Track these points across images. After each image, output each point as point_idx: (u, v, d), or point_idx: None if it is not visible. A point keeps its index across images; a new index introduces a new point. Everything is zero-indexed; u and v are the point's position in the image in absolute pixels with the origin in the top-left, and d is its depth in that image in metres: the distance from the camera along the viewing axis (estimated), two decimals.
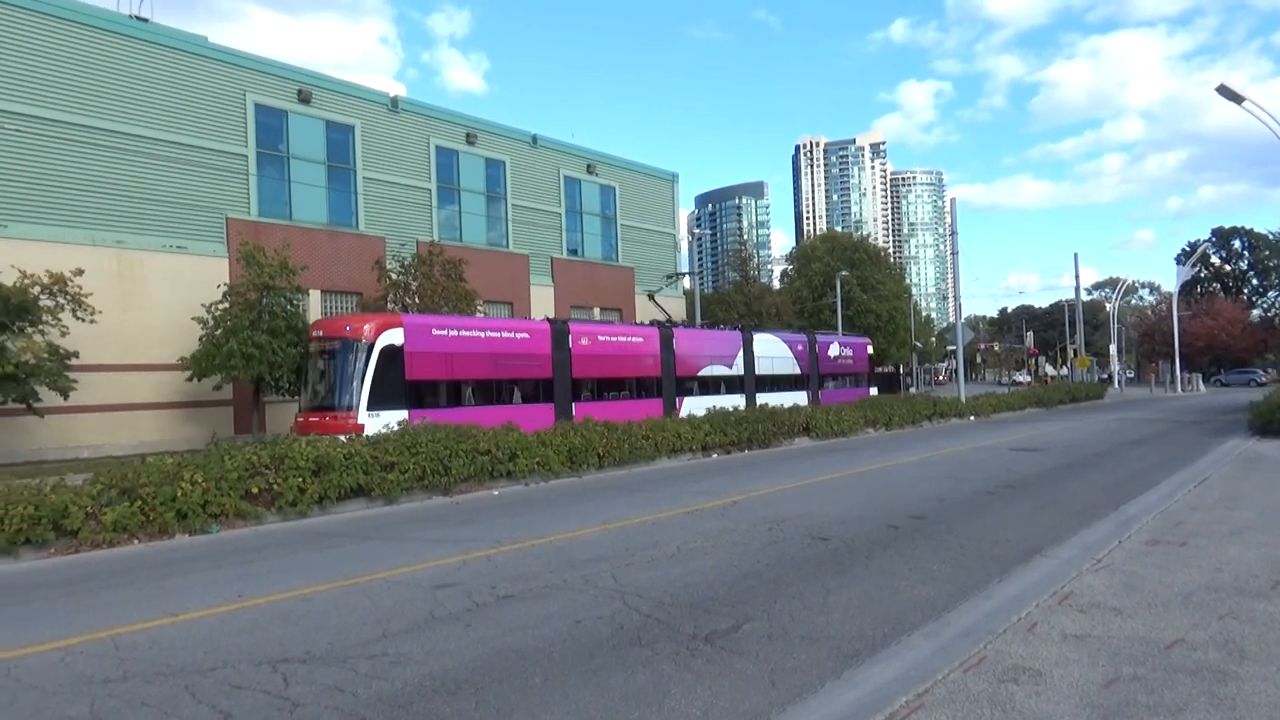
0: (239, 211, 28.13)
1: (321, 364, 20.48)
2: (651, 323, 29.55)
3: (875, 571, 8.41)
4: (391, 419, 18.13)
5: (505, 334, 23.06)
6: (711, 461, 20.91)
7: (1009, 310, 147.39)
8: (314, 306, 28.91)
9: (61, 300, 20.01)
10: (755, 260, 68.86)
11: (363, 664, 5.91)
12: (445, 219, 35.34)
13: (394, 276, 28.36)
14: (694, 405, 26.50)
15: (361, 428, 18.06)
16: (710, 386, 29.85)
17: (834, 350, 37.69)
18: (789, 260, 69.11)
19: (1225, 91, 25.40)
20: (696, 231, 49.80)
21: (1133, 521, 10.57)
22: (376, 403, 19.17)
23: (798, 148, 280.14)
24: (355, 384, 19.30)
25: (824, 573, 8.38)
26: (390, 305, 27.13)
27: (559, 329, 24.50)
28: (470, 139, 36.18)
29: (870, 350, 41.21)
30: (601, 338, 26.02)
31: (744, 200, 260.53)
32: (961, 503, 12.82)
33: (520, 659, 5.96)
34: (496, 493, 15.60)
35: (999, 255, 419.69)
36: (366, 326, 19.91)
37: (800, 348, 35.06)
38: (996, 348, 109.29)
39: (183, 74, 27.06)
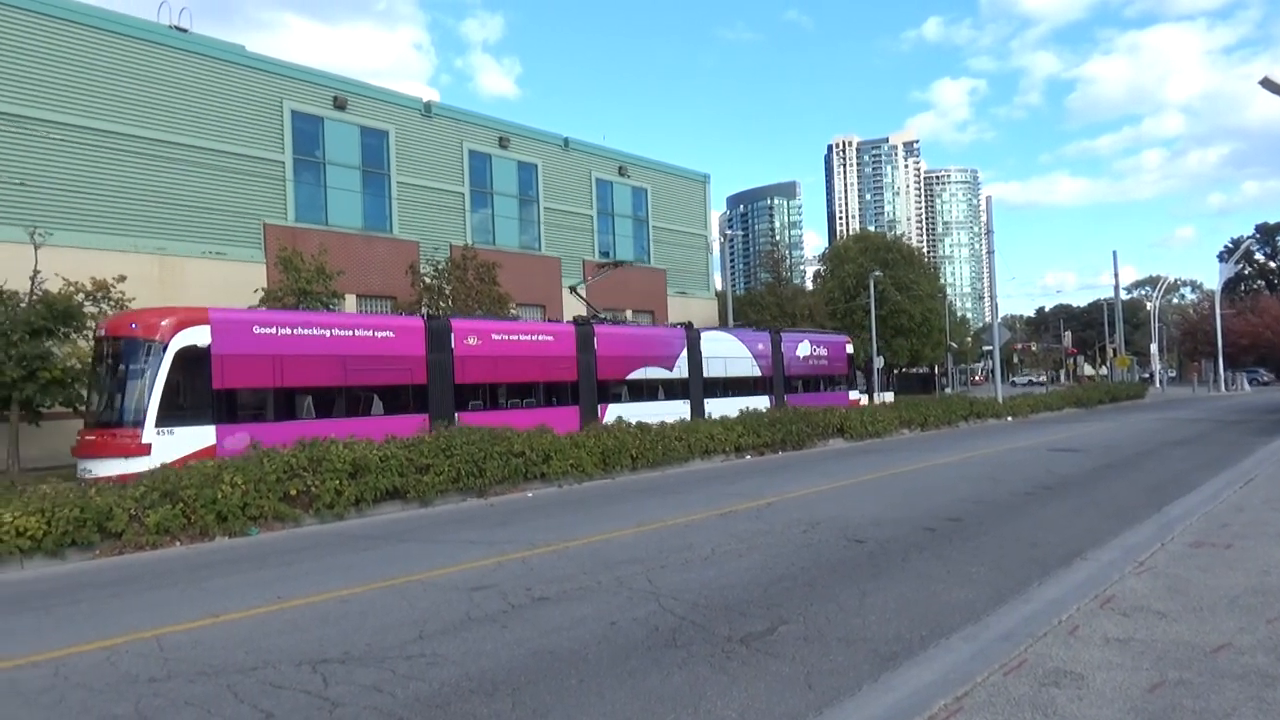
0: (276, 217, 28.52)
1: (104, 371, 16.41)
2: (575, 320, 25.46)
3: (912, 574, 8.34)
4: (191, 437, 15.49)
5: (363, 332, 19.19)
6: (745, 463, 20.85)
7: (1046, 309, 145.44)
8: (350, 311, 29.23)
9: (105, 306, 20.38)
10: (787, 261, 68.57)
11: (400, 664, 5.96)
12: (478, 222, 35.57)
13: (428, 280, 28.60)
14: (622, 413, 22.84)
15: (147, 449, 14.98)
16: (644, 391, 25.71)
17: (804, 350, 33.09)
18: (822, 261, 68.67)
19: (1269, 85, 24.85)
20: (728, 232, 49.68)
21: (1176, 523, 10.37)
22: (169, 418, 15.49)
23: (830, 147, 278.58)
24: (141, 395, 15.53)
25: (860, 575, 8.32)
26: (424, 309, 27.35)
27: (437, 326, 20.73)
28: (503, 143, 36.40)
29: (850, 349, 36.52)
30: (498, 336, 21.79)
31: (776, 201, 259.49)
32: (999, 504, 12.67)
33: (556, 660, 5.98)
34: (531, 495, 15.68)
35: (1035, 254, 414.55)
36: (161, 323, 16.04)
37: (761, 347, 30.71)
38: (1034, 348, 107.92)
39: (221, 82, 27.50)
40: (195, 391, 16.09)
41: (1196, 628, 6.06)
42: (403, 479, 13.90)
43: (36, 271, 19.93)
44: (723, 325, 33.52)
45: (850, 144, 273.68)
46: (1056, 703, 4.74)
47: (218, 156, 27.10)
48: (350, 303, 29.39)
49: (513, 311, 30.08)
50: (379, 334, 19.57)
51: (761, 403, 28.41)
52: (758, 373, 30.06)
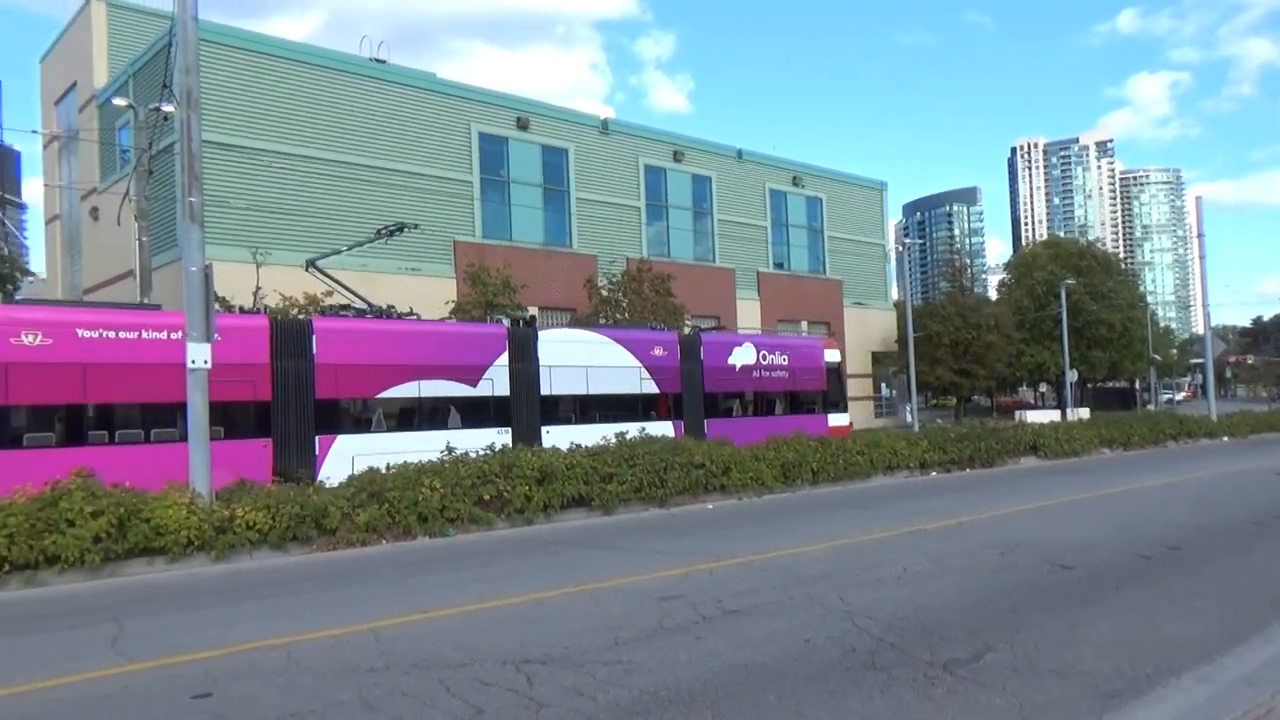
0: (465, 234, 30.03)
1: None
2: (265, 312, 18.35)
3: (1128, 605, 7.74)
4: None
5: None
6: (931, 480, 20.07)
7: (1265, 319, 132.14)
8: None
9: None
10: (969, 270, 65.67)
11: (599, 670, 6.08)
12: (653, 235, 36.12)
13: (605, 293, 29.29)
14: (356, 450, 15.68)
15: None
16: (410, 415, 17.59)
17: (741, 357, 23.56)
18: (1006, 269, 65.34)
19: None
20: (907, 241, 48.03)
21: None
22: None
23: (1014, 150, 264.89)
24: None
25: (1068, 603, 7.80)
26: (601, 321, 28.00)
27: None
28: (677, 156, 36.84)
29: (831, 358, 26.58)
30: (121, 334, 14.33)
31: (955, 207, 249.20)
32: (1223, 532, 11.58)
33: (751, 675, 5.93)
34: (711, 506, 15.70)
35: (1250, 259, 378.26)
36: None
37: (660, 354, 21.80)
38: (1250, 360, 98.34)
39: (415, 109, 29.29)
40: None
41: None
42: (588, 487, 14.26)
43: (258, 288, 21.84)
44: (599, 327, 24.44)
45: (1036, 146, 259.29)
46: None
47: (412, 178, 28.83)
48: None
49: (688, 324, 30.30)
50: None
51: (657, 429, 19.23)
52: (654, 389, 21.48)
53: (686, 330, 27.55)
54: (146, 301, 21.73)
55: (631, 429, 17.61)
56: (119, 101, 24.80)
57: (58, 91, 35.22)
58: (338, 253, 21.30)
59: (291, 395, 15.60)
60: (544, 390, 19.32)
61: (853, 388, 43.31)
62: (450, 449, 14.24)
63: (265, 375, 15.40)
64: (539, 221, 32.55)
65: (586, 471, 14.33)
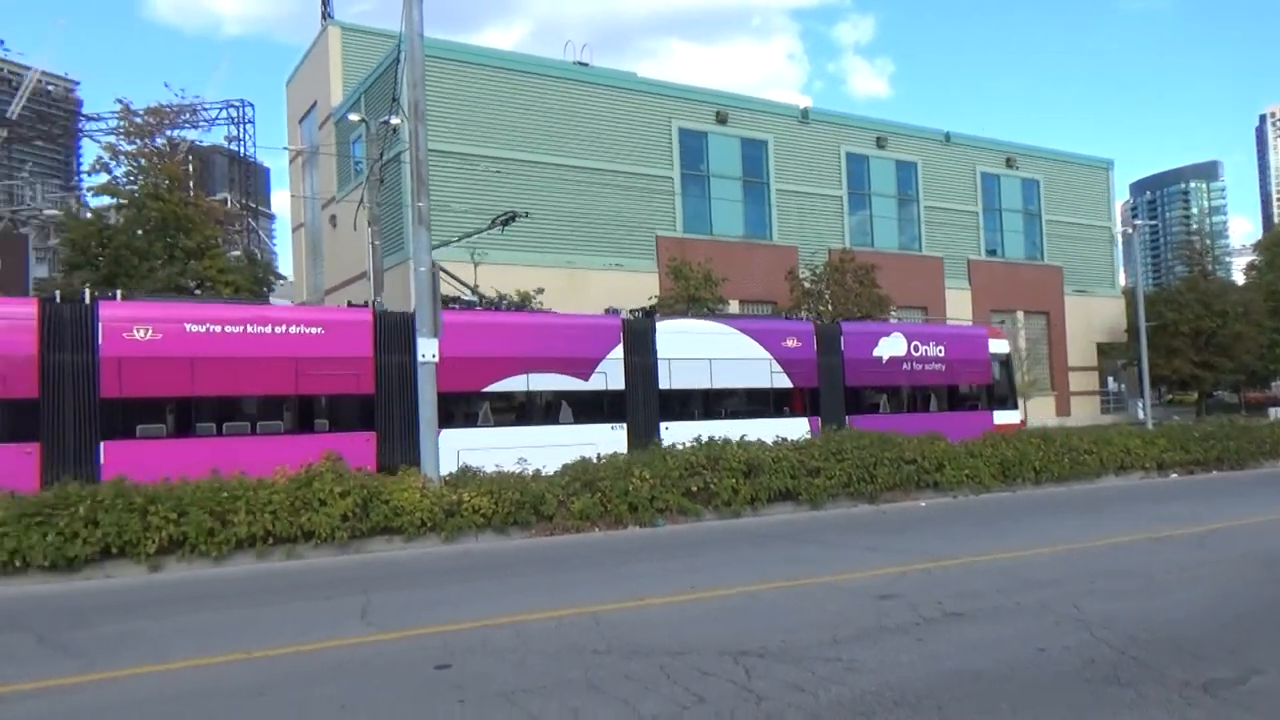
0: (666, 229, 30.49)
1: None
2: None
3: None
4: None
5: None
6: (1169, 482, 18.41)
7: None
8: (734, 314, 30.43)
9: None
10: (1210, 252, 59.53)
11: (818, 666, 6.00)
12: (856, 225, 35.23)
13: (807, 285, 28.87)
14: (462, 445, 14.93)
15: None
16: (519, 410, 17.23)
17: (891, 348, 21.59)
18: (1256, 250, 58.61)
19: None
20: (1136, 223, 44.00)
21: None
22: None
23: (1263, 118, 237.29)
24: None
25: None
26: (803, 313, 27.63)
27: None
28: (880, 143, 35.72)
29: (997, 349, 23.87)
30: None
31: (1192, 184, 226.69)
32: None
33: (980, 682, 5.66)
34: (924, 504, 15.15)
35: None
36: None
37: (795, 345, 20.21)
38: None
39: (616, 108, 30.04)
40: None
41: None
42: (794, 481, 14.14)
43: (475, 285, 23.14)
44: (724, 317, 22.89)
45: None
46: None
47: (615, 176, 29.58)
48: (734, 308, 30.56)
49: (894, 314, 29.35)
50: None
51: (791, 427, 17.73)
52: (785, 383, 20.02)
53: (891, 318, 26.70)
54: (379, 301, 23.59)
55: (761, 427, 16.57)
56: (353, 117, 27.05)
57: (300, 111, 38.83)
58: (446, 244, 22.02)
59: (395, 389, 15.53)
60: (663, 384, 18.38)
61: (1076, 381, 40.49)
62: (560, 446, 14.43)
63: (369, 369, 15.51)
64: (739, 214, 32.55)
65: (793, 465, 14.21)
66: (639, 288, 28.48)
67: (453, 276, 20.35)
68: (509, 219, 21.29)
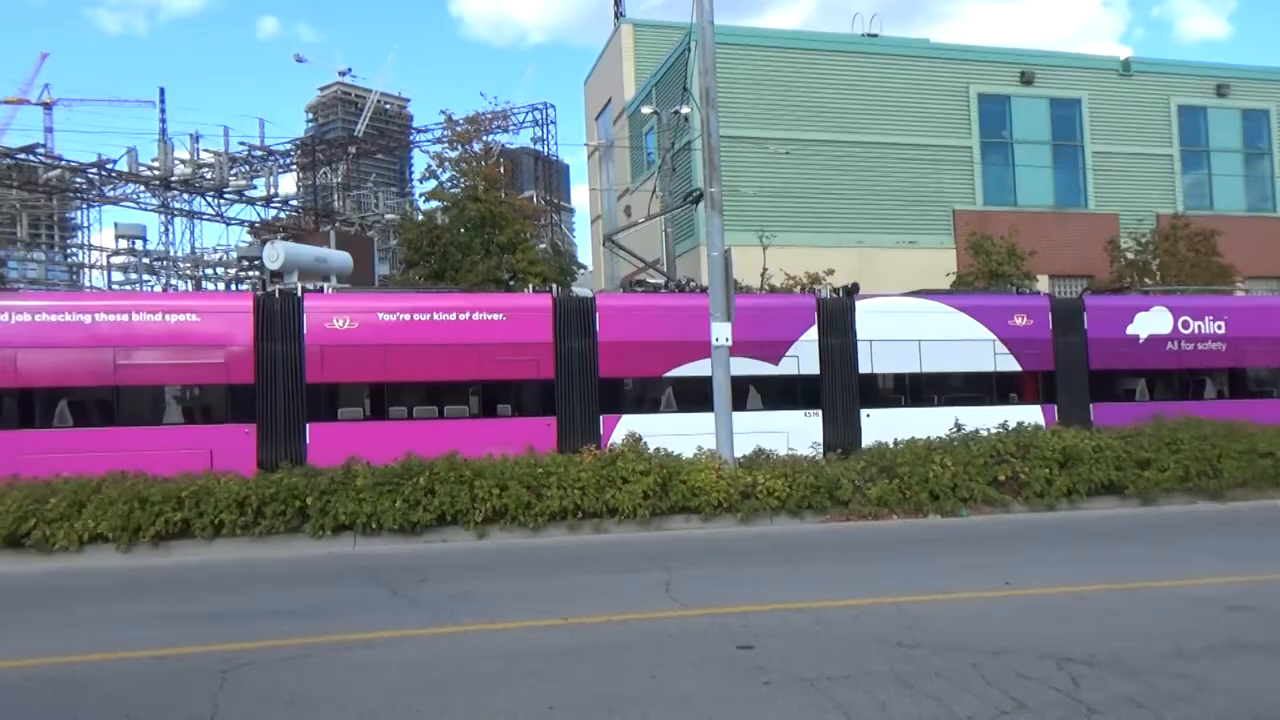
0: (964, 202, 28.76)
1: None
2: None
3: None
4: None
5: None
6: None
7: None
8: (1044, 291, 28.13)
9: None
10: None
11: (1160, 681, 5.38)
12: (1191, 186, 31.13)
13: (1130, 256, 26.05)
14: (642, 431, 13.63)
15: None
16: (700, 395, 15.07)
17: (1149, 325, 18.08)
18: None
19: None
20: None
21: None
22: None
23: None
24: None
25: None
26: (1126, 285, 24.95)
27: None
28: (1220, 91, 31.22)
29: None
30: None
31: None
32: None
33: None
34: None
35: None
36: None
37: (1024, 323, 17.63)
38: None
39: (908, 78, 28.68)
40: None
41: None
42: (1120, 473, 12.82)
43: (765, 269, 23.22)
44: (937, 293, 19.17)
45: None
46: None
47: (908, 150, 28.31)
48: (1044, 283, 28.24)
49: (1240, 286, 25.67)
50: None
51: (1018, 416, 15.25)
52: (1012, 366, 17.49)
53: (1238, 291, 23.34)
54: (687, 280, 24.42)
55: (980, 415, 14.79)
56: (645, 109, 28.10)
57: (597, 108, 40.93)
58: (634, 225, 21.55)
59: (575, 374, 15.47)
60: (863, 368, 16.80)
61: None
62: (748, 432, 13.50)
63: (549, 354, 15.42)
64: (1048, 182, 29.92)
65: (1118, 456, 12.89)
66: (933, 265, 27.07)
67: (631, 255, 20.14)
68: (697, 198, 20.63)
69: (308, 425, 14.32)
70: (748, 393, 16.07)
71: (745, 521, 11.74)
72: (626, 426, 14.39)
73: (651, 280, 19.00)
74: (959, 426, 13.62)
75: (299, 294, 15.13)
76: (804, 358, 16.41)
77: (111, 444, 13.08)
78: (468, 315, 15.22)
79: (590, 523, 11.42)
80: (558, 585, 8.64)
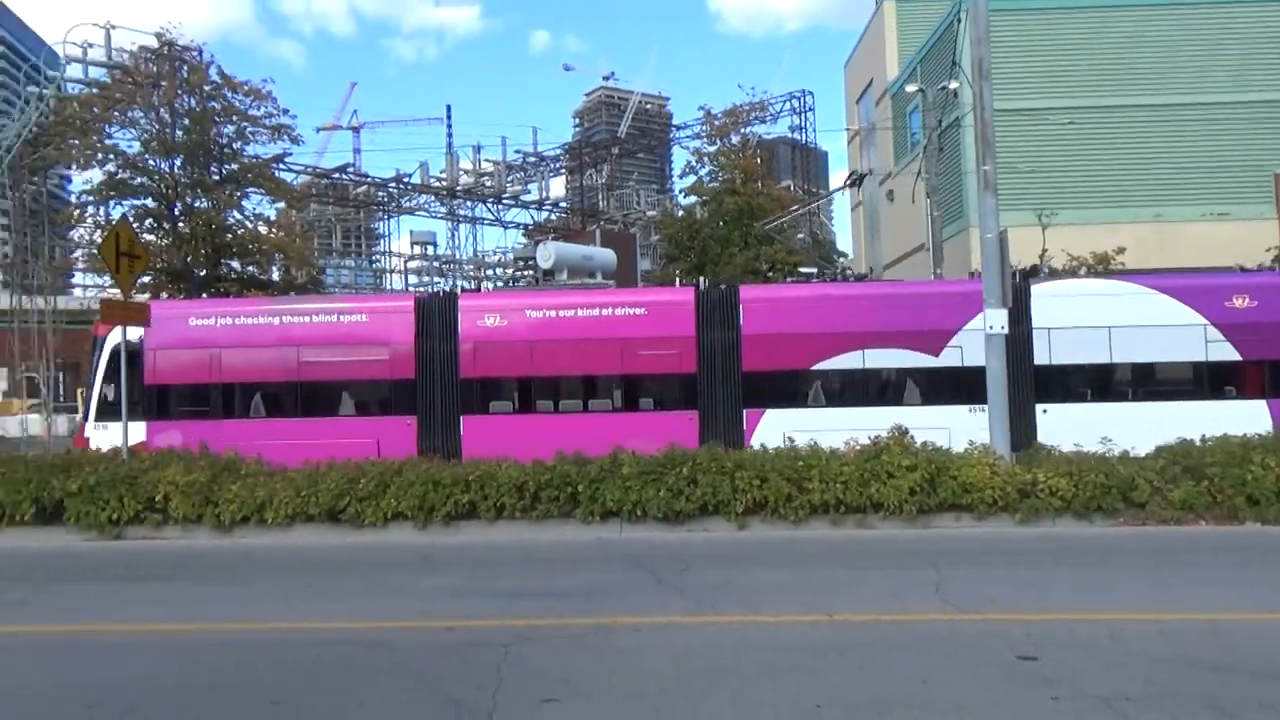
0: None
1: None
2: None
3: None
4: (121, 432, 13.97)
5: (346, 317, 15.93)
6: None
7: None
8: None
9: None
10: None
11: None
12: None
13: None
14: (789, 426, 13.59)
15: (86, 442, 15.12)
16: (852, 390, 15.21)
17: None
18: None
19: None
20: None
21: None
22: (104, 413, 15.45)
23: None
24: (91, 391, 16.06)
25: None
26: None
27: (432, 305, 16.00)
28: None
29: None
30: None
31: None
32: None
33: None
34: None
35: None
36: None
37: (1244, 305, 14.69)
38: None
39: (1218, 27, 25.39)
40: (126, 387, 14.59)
41: None
42: None
43: (1044, 250, 21.50)
44: (1134, 274, 16.54)
45: None
46: None
47: (1217, 109, 25.08)
48: None
49: None
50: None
51: (1237, 412, 13.41)
52: (1229, 356, 14.76)
53: None
54: (938, 273, 23.20)
55: (1189, 411, 13.17)
56: (909, 88, 26.87)
57: (857, 91, 39.81)
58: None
59: (718, 367, 15.24)
60: (1040, 359, 15.04)
61: None
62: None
63: (691, 348, 15.28)
64: None
65: None
66: (1246, 237, 23.83)
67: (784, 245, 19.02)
68: (858, 180, 18.96)
69: (461, 418, 15.12)
70: (905, 386, 15.38)
71: (1024, 522, 10.91)
72: (771, 421, 14.41)
73: (804, 270, 18.56)
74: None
75: (455, 294, 16.15)
76: (968, 348, 14.79)
77: (295, 432, 14.72)
78: (611, 311, 15.49)
79: (853, 517, 11.12)
80: (819, 580, 8.50)
